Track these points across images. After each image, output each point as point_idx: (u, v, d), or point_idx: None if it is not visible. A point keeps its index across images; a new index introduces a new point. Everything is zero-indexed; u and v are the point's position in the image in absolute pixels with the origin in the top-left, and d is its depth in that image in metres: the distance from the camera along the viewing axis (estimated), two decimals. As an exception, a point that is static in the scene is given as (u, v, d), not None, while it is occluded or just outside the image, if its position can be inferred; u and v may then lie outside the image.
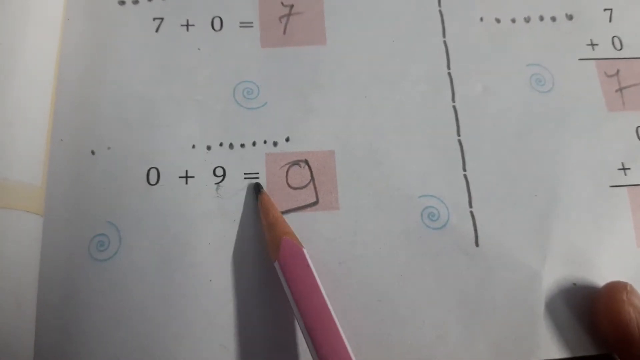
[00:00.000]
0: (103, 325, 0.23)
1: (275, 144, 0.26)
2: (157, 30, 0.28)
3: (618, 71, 0.29)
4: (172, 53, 0.27)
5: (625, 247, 0.26)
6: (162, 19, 0.28)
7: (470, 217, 0.26)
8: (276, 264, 0.23)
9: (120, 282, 0.24)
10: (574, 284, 0.25)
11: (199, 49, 0.27)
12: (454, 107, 0.27)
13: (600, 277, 0.25)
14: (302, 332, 0.22)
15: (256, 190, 0.25)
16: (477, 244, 0.26)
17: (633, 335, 0.23)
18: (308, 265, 0.23)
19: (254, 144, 0.26)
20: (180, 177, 0.25)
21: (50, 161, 0.25)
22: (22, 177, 0.23)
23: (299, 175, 0.26)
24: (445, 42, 0.29)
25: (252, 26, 0.28)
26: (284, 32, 0.28)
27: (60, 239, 0.24)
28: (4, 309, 0.21)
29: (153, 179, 0.25)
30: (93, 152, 0.26)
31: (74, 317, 0.23)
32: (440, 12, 0.29)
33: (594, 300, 0.25)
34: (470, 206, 0.26)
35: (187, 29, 0.28)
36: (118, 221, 0.25)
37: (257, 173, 0.26)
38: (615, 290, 0.24)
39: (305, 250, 0.23)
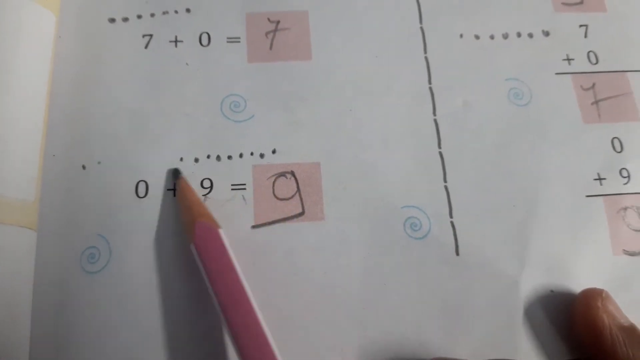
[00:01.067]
0: (95, 336, 0.24)
1: (262, 155, 0.27)
2: (146, 47, 0.28)
3: (594, 84, 0.30)
4: (161, 68, 0.28)
5: (602, 254, 0.27)
6: (151, 35, 0.29)
7: (450, 227, 0.27)
8: (192, 247, 0.23)
9: (111, 293, 0.24)
10: (552, 291, 0.26)
11: (187, 64, 0.28)
12: (435, 120, 0.28)
13: (578, 284, 0.26)
14: (219, 313, 0.22)
15: (174, 175, 0.26)
16: (457, 253, 0.26)
17: (606, 341, 0.23)
18: (223, 245, 0.23)
19: (240, 155, 0.27)
20: (168, 189, 0.26)
21: (42, 176, 0.25)
22: (16, 193, 0.23)
23: (285, 187, 0.27)
24: (426, 58, 0.29)
25: (239, 41, 0.29)
26: (271, 48, 0.29)
27: (53, 252, 0.25)
28: (0, 319, 0.22)
29: (142, 192, 0.26)
30: (84, 167, 0.26)
31: (67, 328, 0.24)
32: (422, 29, 0.30)
33: (570, 307, 0.25)
34: (451, 216, 0.27)
35: (176, 45, 0.29)
36: (108, 234, 0.25)
37: (244, 184, 0.26)
38: (591, 297, 0.25)
39: (221, 231, 0.23)
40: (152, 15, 0.29)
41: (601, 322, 0.24)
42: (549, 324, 0.26)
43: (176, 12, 0.29)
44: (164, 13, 0.29)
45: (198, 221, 0.23)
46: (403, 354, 0.25)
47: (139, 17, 0.29)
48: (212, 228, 0.23)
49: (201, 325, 0.24)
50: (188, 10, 0.29)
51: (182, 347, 0.24)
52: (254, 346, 0.21)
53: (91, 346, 0.24)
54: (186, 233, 0.24)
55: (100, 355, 0.24)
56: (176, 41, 0.29)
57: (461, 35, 0.30)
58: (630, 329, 0.24)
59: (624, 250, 0.27)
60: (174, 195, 0.26)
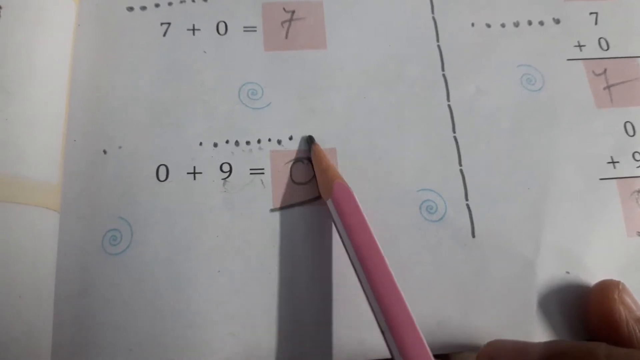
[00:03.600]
0: (116, 316, 0.24)
1: (279, 141, 0.27)
2: (164, 35, 0.29)
3: (605, 70, 0.30)
4: (179, 56, 0.29)
5: (616, 236, 0.27)
6: (169, 23, 0.29)
7: (466, 210, 0.27)
8: (329, 202, 0.24)
9: (132, 275, 0.25)
10: (567, 272, 0.26)
11: (204, 52, 0.29)
12: (449, 106, 0.29)
13: (593, 266, 0.27)
14: (354, 265, 0.23)
15: (310, 141, 0.27)
16: (473, 235, 0.27)
17: (623, 334, 0.23)
18: (357, 203, 0.24)
19: (258, 141, 0.27)
20: (188, 173, 0.27)
21: (64, 161, 0.26)
22: (40, 175, 0.24)
23: (303, 172, 0.27)
24: (439, 46, 0.30)
25: (255, 30, 0.29)
26: (286, 37, 0.29)
27: (75, 234, 0.25)
28: (24, 300, 0.22)
29: (162, 176, 0.26)
30: (105, 152, 0.27)
31: (89, 308, 0.24)
32: (434, 18, 0.30)
33: (585, 298, 0.25)
34: (467, 199, 0.27)
35: (194, 33, 0.29)
36: (130, 216, 0.26)
37: (263, 169, 0.27)
38: (607, 288, 0.24)
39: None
40: (170, 4, 0.30)
41: (618, 314, 0.23)
42: (564, 304, 0.26)
43: (193, 0, 0.30)
44: (181, 2, 0.30)
45: (336, 181, 0.24)
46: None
47: (157, 5, 0.29)
48: (348, 188, 0.24)
49: (223, 306, 0.25)
50: (206, 0, 0.30)
51: (202, 328, 0.24)
52: (390, 295, 0.22)
53: (112, 327, 0.24)
54: (322, 192, 0.26)
55: (121, 335, 0.24)
56: (194, 29, 0.29)
57: (473, 24, 0.30)
58: None
59: (638, 232, 0.27)
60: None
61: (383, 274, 0.22)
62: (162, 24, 0.29)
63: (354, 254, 0.23)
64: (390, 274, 0.22)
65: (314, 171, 0.27)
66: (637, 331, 0.23)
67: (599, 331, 0.24)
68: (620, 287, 0.24)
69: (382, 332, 0.22)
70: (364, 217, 0.24)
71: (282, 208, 0.26)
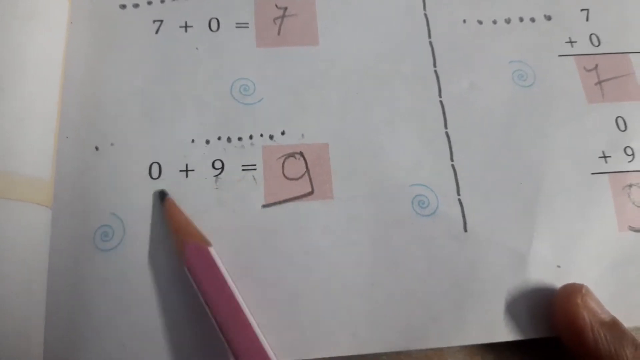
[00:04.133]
0: (108, 312, 0.24)
1: (271, 137, 0.27)
2: (157, 32, 0.29)
3: (597, 66, 0.30)
4: (171, 53, 0.29)
5: (608, 230, 0.27)
6: (161, 21, 0.29)
7: (458, 204, 0.27)
8: (184, 268, 0.24)
9: (124, 271, 0.25)
10: (559, 267, 0.26)
11: (197, 48, 0.29)
12: (441, 101, 0.29)
13: (585, 259, 0.27)
14: (217, 330, 0.22)
15: (161, 196, 0.26)
16: (465, 230, 0.27)
17: (589, 340, 0.23)
18: (214, 264, 0.23)
19: (250, 137, 0.27)
20: (180, 170, 0.27)
21: (57, 157, 0.26)
22: (32, 171, 0.24)
23: (295, 167, 0.27)
24: (431, 43, 0.30)
25: (247, 27, 0.29)
26: (279, 33, 0.29)
27: (67, 230, 0.25)
28: (17, 296, 0.22)
29: (155, 174, 0.26)
30: (97, 148, 0.27)
31: (81, 304, 0.24)
32: (426, 15, 0.31)
33: (551, 304, 0.25)
34: (458, 194, 0.27)
35: (186, 30, 0.29)
36: (122, 213, 0.26)
37: (255, 165, 0.27)
38: (570, 293, 0.24)
39: (211, 249, 0.24)
40: (162, 1, 0.30)
41: (582, 319, 0.23)
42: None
43: (186, -2, 0.30)
44: None
45: (188, 243, 0.24)
46: (414, 328, 0.25)
47: (149, 3, 0.29)
48: (202, 248, 0.24)
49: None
50: (200, -3, 0.30)
51: (193, 325, 0.24)
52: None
53: (104, 322, 0.24)
54: (178, 254, 0.24)
55: (113, 330, 0.24)
56: (186, 26, 0.29)
57: (464, 21, 0.31)
58: (611, 324, 0.23)
59: (629, 226, 0.27)
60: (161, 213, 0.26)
61: (246, 340, 0.22)
62: (154, 21, 0.29)
63: (216, 324, 0.22)
64: (256, 340, 0.22)
65: (308, 170, 0.27)
66: (602, 335, 0.23)
67: (565, 336, 0.24)
68: (584, 291, 0.24)
69: None
70: (223, 280, 0.23)
71: (274, 204, 0.26)
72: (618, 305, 0.25)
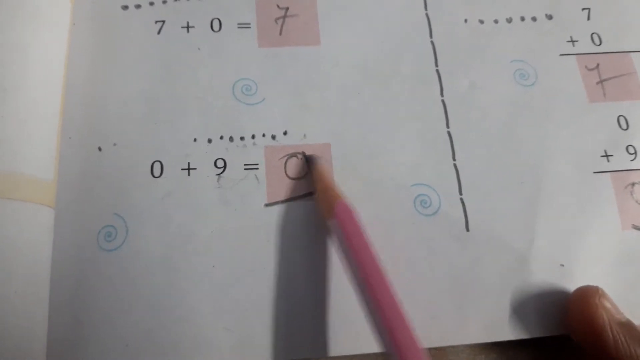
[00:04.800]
0: (112, 311, 0.24)
1: (273, 137, 0.28)
2: (159, 33, 0.29)
3: (598, 65, 0.30)
4: (173, 53, 0.29)
5: (611, 229, 0.27)
6: (163, 21, 0.29)
7: (460, 204, 0.27)
8: (332, 222, 0.24)
9: (127, 271, 0.25)
10: (562, 265, 0.26)
11: (199, 48, 0.29)
12: (443, 101, 0.29)
13: (588, 258, 0.27)
14: (358, 284, 0.22)
15: (311, 160, 0.27)
16: (467, 229, 0.27)
17: (608, 340, 0.23)
18: (359, 222, 0.24)
19: (253, 137, 0.27)
20: (182, 169, 0.27)
21: (60, 158, 0.26)
22: (35, 172, 0.24)
23: (297, 167, 0.27)
24: (432, 42, 0.30)
25: (249, 27, 0.29)
26: (280, 33, 0.30)
27: (70, 230, 0.25)
28: (20, 296, 0.22)
29: (157, 172, 0.26)
30: (100, 149, 0.27)
31: (84, 304, 0.24)
32: (427, 15, 0.31)
33: (566, 305, 0.25)
34: (461, 193, 0.27)
35: (188, 31, 0.29)
36: (125, 213, 0.26)
37: (257, 164, 0.27)
38: (588, 295, 0.24)
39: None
40: (164, 2, 0.30)
41: (601, 319, 0.23)
42: (559, 297, 0.26)
43: None
44: (175, 0, 0.30)
45: (338, 200, 0.24)
46: (415, 327, 0.25)
47: (151, 4, 0.29)
48: (350, 206, 0.24)
49: (218, 301, 0.25)
50: (200, -2, 0.30)
51: (197, 323, 0.24)
52: (394, 318, 0.21)
53: (108, 322, 0.24)
54: (324, 213, 0.25)
55: (116, 330, 0.24)
56: (188, 27, 0.29)
57: (466, 20, 0.31)
58: (628, 325, 0.23)
59: (633, 225, 0.27)
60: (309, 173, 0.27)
61: (386, 297, 0.22)
62: (156, 22, 0.29)
63: (358, 275, 0.22)
64: (395, 299, 0.22)
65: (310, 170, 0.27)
66: (621, 335, 0.23)
67: (583, 337, 0.24)
68: (600, 292, 0.24)
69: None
70: (365, 238, 0.23)
71: (276, 203, 0.26)
72: (621, 304, 0.25)
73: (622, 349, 0.23)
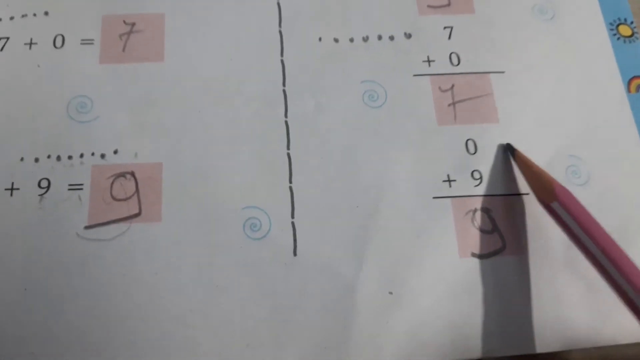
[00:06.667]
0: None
1: (102, 156, 0.27)
2: (1, 50, 0.29)
3: (453, 86, 0.29)
4: (13, 71, 0.28)
5: (448, 256, 0.26)
6: (7, 38, 0.29)
7: (291, 228, 0.26)
8: (555, 204, 0.25)
9: None
10: (390, 293, 0.26)
11: (38, 65, 0.28)
12: (286, 122, 0.28)
13: (420, 286, 0.26)
14: (597, 258, 0.23)
15: (510, 149, 0.28)
16: (295, 254, 0.26)
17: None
18: (578, 201, 0.25)
19: (81, 155, 0.27)
20: (6, 189, 0.26)
21: None
22: None
23: (124, 187, 0.27)
24: (282, 61, 0.29)
25: (93, 43, 0.29)
26: (124, 49, 0.29)
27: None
28: None
29: (-16, 192, 0.26)
30: None
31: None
32: (280, 32, 0.30)
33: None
34: (293, 217, 0.27)
35: (30, 47, 0.29)
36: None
37: (82, 184, 0.26)
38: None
39: None
40: (12, 18, 0.29)
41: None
42: (385, 325, 0.25)
43: (35, 14, 0.29)
44: (22, 16, 0.29)
45: (556, 183, 0.25)
46: (228, 355, 0.24)
47: (-1, 20, 0.29)
48: (567, 189, 0.25)
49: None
50: (46, 13, 0.30)
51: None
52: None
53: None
54: (539, 193, 0.26)
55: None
56: (31, 43, 0.29)
57: (320, 39, 0.30)
58: None
59: (472, 252, 0.27)
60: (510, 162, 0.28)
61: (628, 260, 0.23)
62: (0, 39, 0.29)
63: (596, 244, 0.23)
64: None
65: (137, 191, 0.26)
66: None
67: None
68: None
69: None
70: (591, 215, 0.24)
71: (97, 225, 0.26)
72: (452, 335, 0.25)
73: None
